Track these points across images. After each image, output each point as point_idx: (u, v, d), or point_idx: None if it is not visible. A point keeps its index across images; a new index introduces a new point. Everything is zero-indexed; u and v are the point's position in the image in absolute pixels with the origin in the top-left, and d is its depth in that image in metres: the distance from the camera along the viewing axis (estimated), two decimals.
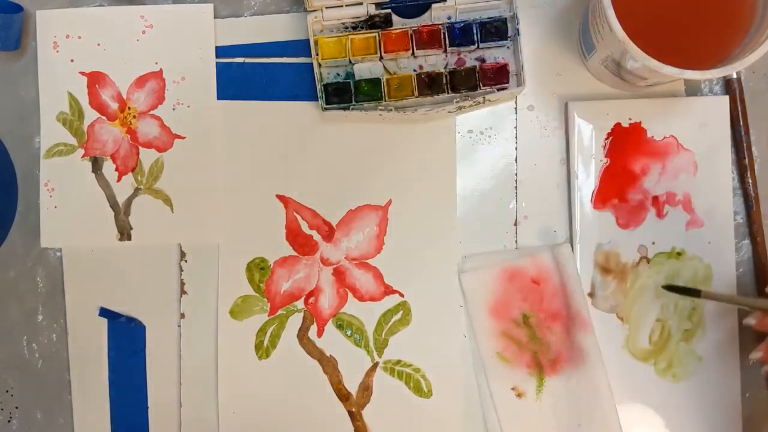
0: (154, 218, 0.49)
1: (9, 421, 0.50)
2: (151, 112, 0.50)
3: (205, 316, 0.49)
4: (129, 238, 0.49)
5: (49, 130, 0.49)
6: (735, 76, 0.48)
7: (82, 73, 0.50)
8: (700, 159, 0.48)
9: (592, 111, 0.48)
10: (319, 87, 0.48)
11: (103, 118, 0.50)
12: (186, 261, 0.49)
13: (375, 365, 0.49)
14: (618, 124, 0.48)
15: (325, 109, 0.47)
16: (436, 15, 0.48)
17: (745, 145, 0.48)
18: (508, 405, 0.47)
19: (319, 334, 0.49)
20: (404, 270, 0.49)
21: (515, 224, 0.49)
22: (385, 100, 0.47)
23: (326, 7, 0.47)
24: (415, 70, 0.48)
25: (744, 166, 0.48)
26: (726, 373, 0.47)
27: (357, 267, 0.49)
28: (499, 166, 0.49)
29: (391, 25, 0.48)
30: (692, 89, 0.49)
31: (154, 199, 0.49)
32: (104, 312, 0.49)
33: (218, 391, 0.49)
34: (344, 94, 0.47)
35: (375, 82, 0.47)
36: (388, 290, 0.49)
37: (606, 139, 0.48)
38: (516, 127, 0.49)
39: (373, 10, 0.47)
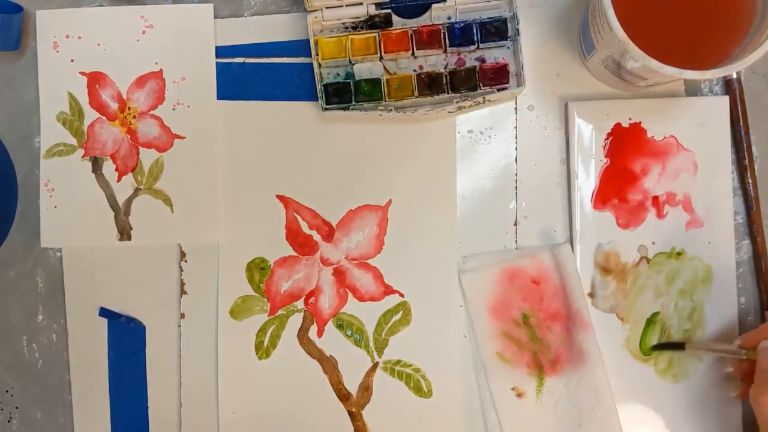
0: (154, 218, 0.49)
1: (9, 421, 0.50)
2: (151, 112, 0.50)
3: (205, 316, 0.49)
4: (129, 238, 0.49)
5: (49, 130, 0.49)
6: (735, 76, 0.48)
7: (82, 73, 0.50)
8: (700, 159, 0.48)
9: (592, 111, 0.48)
10: (319, 87, 0.48)
11: (103, 118, 0.50)
12: (186, 261, 0.49)
13: (375, 365, 0.49)
14: (618, 124, 0.48)
15: (325, 109, 0.47)
16: (436, 15, 0.48)
17: (745, 145, 0.48)
18: (508, 405, 0.47)
19: (319, 334, 0.49)
20: (404, 270, 0.49)
21: (515, 224, 0.49)
22: (385, 100, 0.47)
23: (326, 7, 0.47)
24: (415, 70, 0.48)
25: (744, 166, 0.48)
26: (725, 373, 0.47)
27: (357, 267, 0.49)
28: (499, 166, 0.49)
29: (391, 25, 0.48)
30: (692, 89, 0.49)
31: (154, 199, 0.49)
32: (104, 312, 0.49)
33: (218, 391, 0.49)
34: (344, 94, 0.47)
35: (375, 82, 0.47)
36: (388, 290, 0.49)
37: (606, 139, 0.48)
38: (516, 127, 0.49)
39: (373, 10, 0.47)
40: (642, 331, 0.48)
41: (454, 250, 0.49)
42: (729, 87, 0.48)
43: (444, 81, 0.47)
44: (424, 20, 0.48)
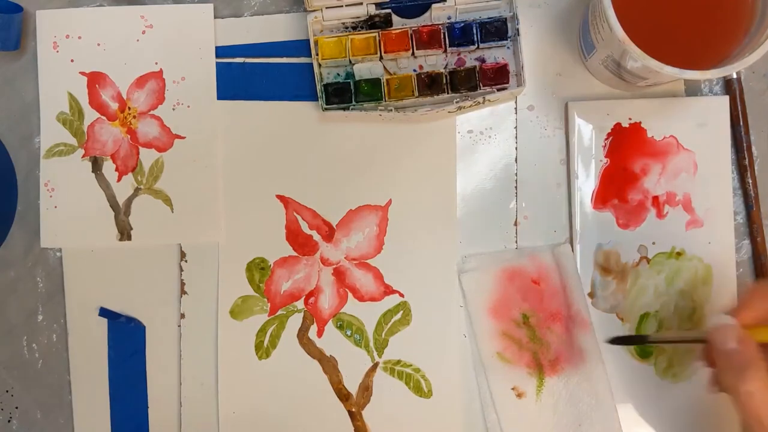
0: (154, 218, 0.49)
1: (9, 421, 0.50)
2: (151, 112, 0.50)
3: (205, 316, 0.49)
4: (129, 238, 0.49)
5: (49, 130, 0.49)
6: (735, 76, 0.48)
7: (82, 73, 0.50)
8: (700, 159, 0.48)
9: (592, 111, 0.48)
10: (319, 87, 0.48)
11: (103, 118, 0.50)
12: (186, 261, 0.49)
13: (375, 365, 0.49)
14: (618, 124, 0.48)
15: (325, 109, 0.47)
16: (436, 15, 0.48)
17: (745, 145, 0.48)
18: (508, 405, 0.47)
19: (319, 334, 0.49)
20: (404, 270, 0.49)
21: (515, 224, 0.49)
22: (385, 100, 0.47)
23: (326, 7, 0.47)
24: (415, 70, 0.48)
25: (744, 166, 0.48)
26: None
27: (357, 267, 0.49)
28: (499, 166, 0.49)
29: (391, 25, 0.48)
30: (692, 89, 0.49)
31: (154, 199, 0.49)
32: (104, 312, 0.49)
33: (218, 391, 0.49)
34: (344, 94, 0.47)
35: (375, 83, 0.47)
36: (388, 290, 0.49)
37: (606, 139, 0.48)
38: (516, 127, 0.49)
39: (373, 10, 0.47)
40: (635, 329, 0.48)
41: (454, 250, 0.49)
42: (729, 87, 0.48)
43: (444, 81, 0.47)
44: (424, 20, 0.48)
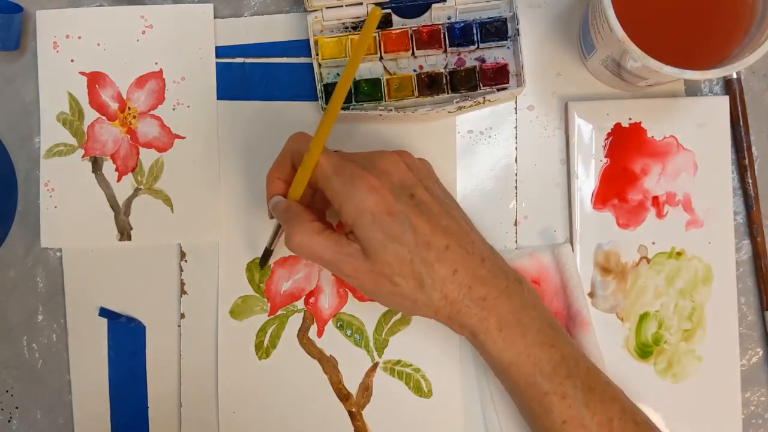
0: (154, 218, 0.49)
1: (9, 421, 0.50)
2: (151, 112, 0.50)
3: (205, 316, 0.49)
4: (129, 238, 0.49)
5: (49, 130, 0.49)
6: (735, 76, 0.48)
7: (82, 73, 0.50)
8: (700, 159, 0.48)
9: (592, 111, 0.48)
10: (319, 87, 0.48)
11: (103, 118, 0.50)
12: (186, 261, 0.49)
13: (375, 365, 0.49)
14: (618, 124, 0.48)
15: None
16: (436, 15, 0.48)
17: (745, 145, 0.48)
18: (508, 405, 0.47)
19: (319, 334, 0.49)
20: None
21: (515, 224, 0.49)
22: (385, 100, 0.47)
23: (326, 7, 0.47)
24: (415, 71, 0.48)
25: (744, 166, 0.48)
26: (726, 373, 0.47)
27: None
28: (499, 166, 0.49)
29: (391, 25, 0.48)
30: (692, 89, 0.49)
31: (154, 199, 0.49)
32: (104, 312, 0.49)
33: (218, 391, 0.49)
34: None
35: (375, 83, 0.47)
36: None
37: (606, 139, 0.48)
38: (516, 127, 0.49)
39: None
40: (635, 328, 0.48)
41: None
42: (729, 87, 0.48)
43: (444, 81, 0.47)
44: (424, 20, 0.48)
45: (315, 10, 0.47)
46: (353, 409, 0.48)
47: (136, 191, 0.49)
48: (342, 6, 0.47)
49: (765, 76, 0.49)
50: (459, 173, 0.49)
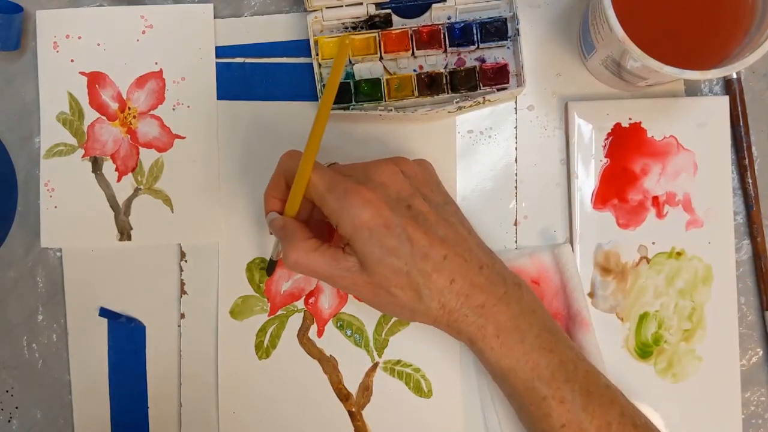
0: (154, 218, 0.49)
1: (9, 421, 0.50)
2: (151, 112, 0.50)
3: (205, 316, 0.49)
4: (129, 238, 0.49)
5: (49, 130, 0.49)
6: (735, 76, 0.48)
7: (82, 73, 0.50)
8: (700, 159, 0.48)
9: (592, 111, 0.48)
10: (319, 87, 0.48)
11: (103, 118, 0.50)
12: (186, 261, 0.49)
13: (375, 365, 0.49)
14: (618, 124, 0.48)
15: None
16: (436, 15, 0.48)
17: (745, 145, 0.48)
18: (508, 405, 0.47)
19: (319, 334, 0.49)
20: None
21: (515, 224, 0.49)
22: (385, 100, 0.47)
23: (326, 7, 0.47)
24: (415, 71, 0.48)
25: (744, 166, 0.48)
26: (726, 373, 0.47)
27: None
28: (499, 166, 0.49)
29: (391, 25, 0.48)
30: (692, 89, 0.49)
31: (154, 199, 0.49)
32: (104, 312, 0.49)
33: (218, 391, 0.49)
34: (344, 94, 0.47)
35: (375, 83, 0.47)
36: None
37: (606, 139, 0.48)
38: (516, 127, 0.49)
39: (373, 10, 0.47)
40: (635, 328, 0.48)
41: None
42: (729, 87, 0.48)
43: (444, 81, 0.47)
44: (424, 20, 0.48)
45: (315, 10, 0.47)
46: (353, 409, 0.48)
47: (136, 191, 0.49)
48: (342, 6, 0.47)
49: (765, 76, 0.49)
50: (459, 173, 0.49)
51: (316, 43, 0.47)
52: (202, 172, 0.49)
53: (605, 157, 0.48)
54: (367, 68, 0.48)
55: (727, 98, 0.48)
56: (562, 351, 0.40)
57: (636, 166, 0.48)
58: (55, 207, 0.49)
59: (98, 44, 0.49)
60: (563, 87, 0.49)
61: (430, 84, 0.47)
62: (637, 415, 0.40)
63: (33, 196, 0.50)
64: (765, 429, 0.48)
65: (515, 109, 0.49)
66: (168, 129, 0.49)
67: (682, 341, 0.48)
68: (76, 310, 0.49)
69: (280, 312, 0.49)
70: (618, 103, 0.48)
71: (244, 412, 0.49)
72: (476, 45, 0.47)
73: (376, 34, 0.47)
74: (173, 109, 0.49)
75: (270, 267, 0.47)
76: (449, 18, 0.48)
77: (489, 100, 0.47)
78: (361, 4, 0.47)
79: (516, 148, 0.49)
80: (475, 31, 0.47)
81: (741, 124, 0.48)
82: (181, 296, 0.49)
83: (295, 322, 0.49)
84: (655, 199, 0.48)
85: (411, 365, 0.49)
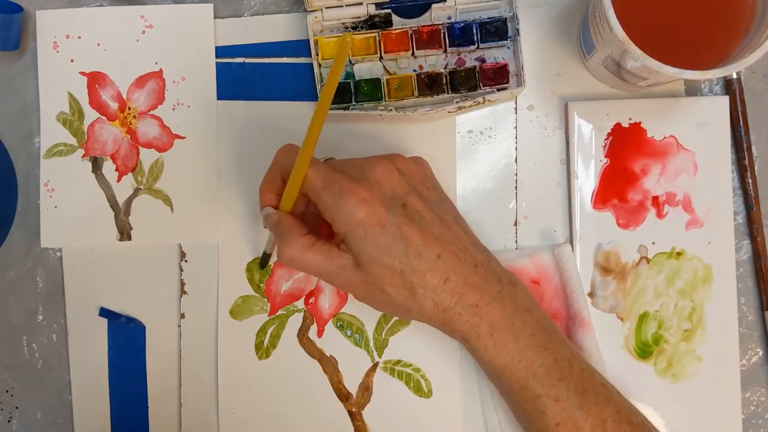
0: (154, 218, 0.49)
1: (9, 421, 0.50)
2: (151, 112, 0.50)
3: (205, 316, 0.49)
4: (129, 238, 0.49)
5: (49, 130, 0.49)
6: (735, 76, 0.48)
7: (82, 73, 0.50)
8: (700, 159, 0.48)
9: (592, 111, 0.48)
10: (319, 87, 0.48)
11: (103, 118, 0.50)
12: (186, 261, 0.49)
13: (375, 365, 0.49)
14: (618, 124, 0.48)
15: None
16: (436, 15, 0.48)
17: (745, 145, 0.48)
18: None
19: (319, 334, 0.49)
20: None
21: (515, 224, 0.49)
22: (385, 100, 0.47)
23: (326, 7, 0.47)
24: (415, 70, 0.48)
25: (744, 166, 0.48)
26: (726, 373, 0.47)
27: None
28: (499, 166, 0.49)
29: (391, 25, 0.48)
30: (692, 89, 0.49)
31: (154, 199, 0.49)
32: (104, 312, 0.49)
33: (218, 391, 0.49)
34: (344, 94, 0.47)
35: (375, 83, 0.47)
36: None
37: (606, 139, 0.48)
38: (516, 127, 0.49)
39: (373, 10, 0.47)
40: (635, 328, 0.48)
41: None
42: (729, 87, 0.48)
43: (444, 81, 0.47)
44: (424, 20, 0.48)
45: (315, 10, 0.47)
46: (353, 409, 0.48)
47: (136, 191, 0.49)
48: (342, 6, 0.47)
49: (765, 76, 0.49)
50: (459, 173, 0.49)
51: (316, 43, 0.47)
52: (202, 172, 0.49)
53: (605, 157, 0.48)
54: (367, 68, 0.48)
55: (727, 98, 0.48)
56: (557, 349, 0.40)
57: (636, 166, 0.48)
58: (55, 207, 0.49)
59: (98, 44, 0.49)
60: (563, 87, 0.49)
61: (430, 84, 0.47)
62: (633, 413, 0.40)
63: (33, 196, 0.50)
64: (765, 429, 0.48)
65: (515, 109, 0.49)
66: (168, 129, 0.49)
67: (682, 341, 0.48)
68: (76, 310, 0.49)
69: (280, 312, 0.49)
70: (618, 103, 0.48)
71: (244, 412, 0.49)
72: (476, 45, 0.47)
73: (376, 34, 0.47)
74: (173, 109, 0.49)
75: (263, 259, 0.48)
76: (449, 18, 0.48)
77: (489, 100, 0.47)
78: (361, 4, 0.47)
79: (516, 148, 0.49)
80: (475, 31, 0.47)
81: (741, 124, 0.48)
82: (181, 296, 0.49)
83: (295, 322, 0.49)
84: (655, 199, 0.48)
85: (411, 365, 0.49)
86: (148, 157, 0.49)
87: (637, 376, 0.47)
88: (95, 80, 0.50)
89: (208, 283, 0.49)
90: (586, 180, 0.48)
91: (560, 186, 0.49)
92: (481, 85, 0.47)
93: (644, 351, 0.48)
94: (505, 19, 0.47)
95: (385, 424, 0.48)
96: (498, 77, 0.47)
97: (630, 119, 0.48)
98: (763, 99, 0.49)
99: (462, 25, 0.47)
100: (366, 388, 0.49)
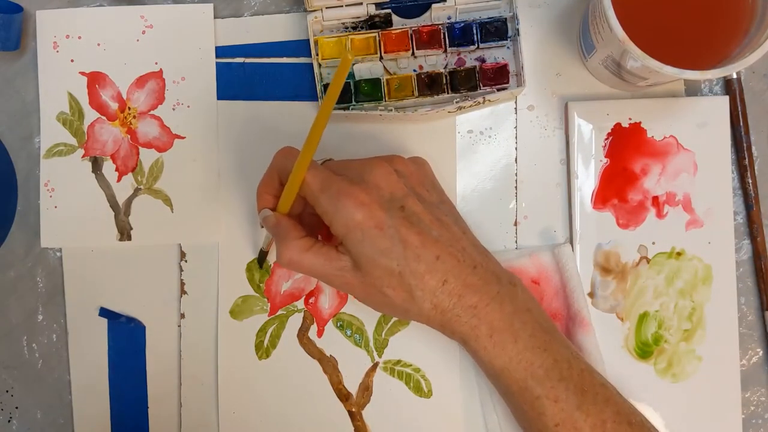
0: (154, 218, 0.49)
1: (9, 421, 0.50)
2: (151, 112, 0.50)
3: (205, 316, 0.49)
4: (129, 238, 0.49)
5: (49, 130, 0.49)
6: (735, 76, 0.48)
7: (82, 73, 0.50)
8: (700, 159, 0.48)
9: (592, 111, 0.48)
10: (319, 87, 0.48)
11: (103, 118, 0.50)
12: (186, 261, 0.49)
13: (375, 365, 0.49)
14: (618, 124, 0.48)
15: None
16: (436, 15, 0.48)
17: (745, 145, 0.48)
18: None
19: (319, 334, 0.49)
20: None
21: (515, 224, 0.49)
22: (385, 100, 0.47)
23: (326, 7, 0.47)
24: (415, 70, 0.48)
25: (744, 166, 0.48)
26: (726, 373, 0.47)
27: None
28: (499, 166, 0.49)
29: (391, 25, 0.48)
30: (692, 89, 0.49)
31: (154, 199, 0.49)
32: (104, 312, 0.49)
33: (218, 391, 0.49)
34: (344, 94, 0.47)
35: (375, 83, 0.47)
36: None
37: (606, 139, 0.48)
38: (516, 127, 0.49)
39: (373, 10, 0.47)
40: (635, 328, 0.48)
41: None
42: (729, 87, 0.48)
43: (444, 81, 0.47)
44: (424, 20, 0.48)
45: (315, 10, 0.47)
46: (353, 409, 0.48)
47: (136, 191, 0.49)
48: (342, 6, 0.47)
49: (765, 76, 0.49)
50: (459, 173, 0.49)
51: (316, 43, 0.47)
52: (202, 172, 0.49)
53: (605, 157, 0.48)
54: (367, 68, 0.48)
55: (727, 98, 0.48)
56: (557, 350, 0.40)
57: (636, 166, 0.48)
58: (55, 207, 0.49)
59: (98, 44, 0.49)
60: (563, 87, 0.49)
61: (430, 84, 0.47)
62: (632, 414, 0.40)
63: (33, 196, 0.50)
64: (765, 429, 0.48)
65: (515, 109, 0.49)
66: (168, 129, 0.49)
67: (682, 341, 0.48)
68: (76, 310, 0.49)
69: (280, 312, 0.49)
70: (618, 103, 0.48)
71: (244, 412, 0.49)
72: (476, 45, 0.47)
73: (376, 34, 0.47)
74: (173, 109, 0.49)
75: (261, 257, 0.48)
76: (449, 18, 0.48)
77: (489, 100, 0.47)
78: (361, 4, 0.47)
79: (516, 148, 0.49)
80: (475, 31, 0.47)
81: (741, 124, 0.48)
82: (181, 296, 0.49)
83: (295, 322, 0.49)
84: (655, 199, 0.48)
85: (411, 365, 0.49)
86: (148, 157, 0.49)
87: (637, 376, 0.47)
88: (95, 80, 0.50)
89: (208, 283, 0.49)
90: (586, 180, 0.48)
91: (560, 186, 0.49)
92: (481, 85, 0.47)
93: (644, 351, 0.48)
94: (505, 19, 0.47)
95: (385, 424, 0.48)
96: (498, 77, 0.47)
97: (630, 119, 0.48)
98: (763, 99, 0.49)
99: (462, 25, 0.47)
100: (366, 388, 0.49)
